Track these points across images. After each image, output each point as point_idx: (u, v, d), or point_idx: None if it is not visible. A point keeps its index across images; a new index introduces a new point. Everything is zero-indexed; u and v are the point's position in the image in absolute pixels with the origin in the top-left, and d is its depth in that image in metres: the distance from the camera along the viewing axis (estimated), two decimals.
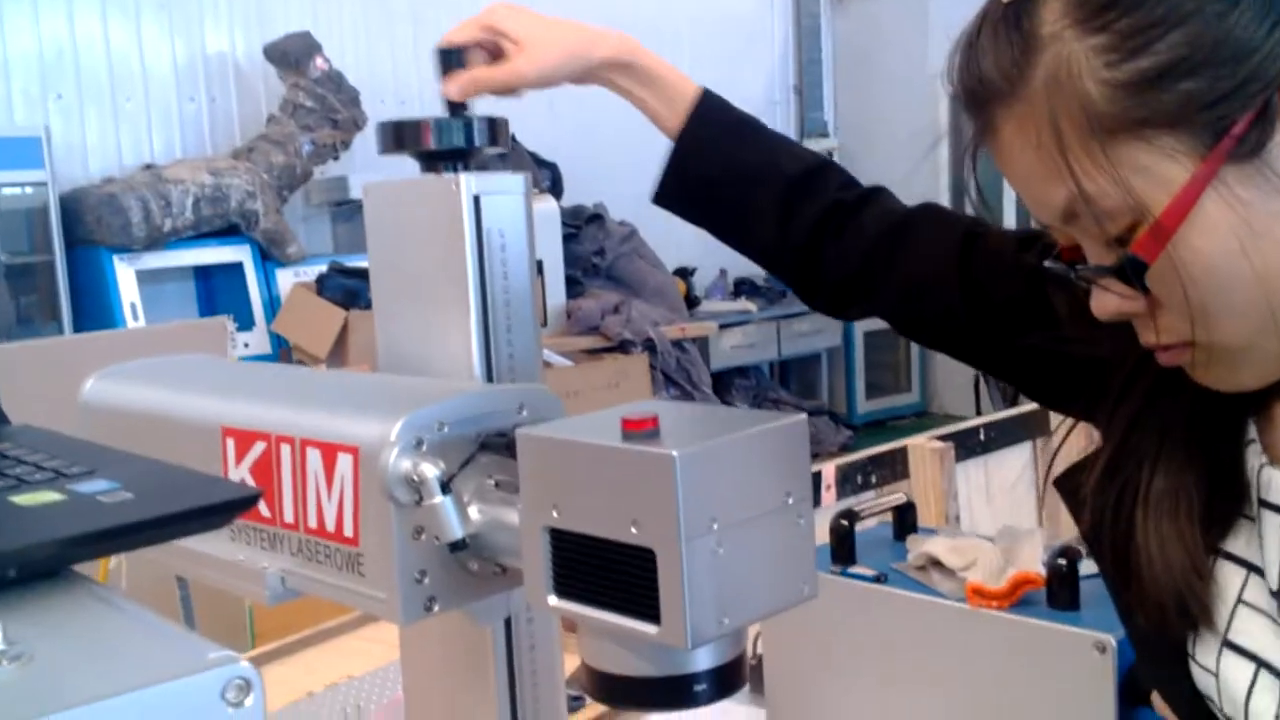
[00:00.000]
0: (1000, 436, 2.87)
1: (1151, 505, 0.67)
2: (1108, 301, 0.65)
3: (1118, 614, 0.72)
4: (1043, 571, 0.88)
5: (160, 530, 0.48)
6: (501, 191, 0.81)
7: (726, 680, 0.59)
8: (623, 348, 4.73)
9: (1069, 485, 0.77)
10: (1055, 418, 3.22)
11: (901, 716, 0.91)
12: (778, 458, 0.59)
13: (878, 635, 0.92)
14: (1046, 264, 0.70)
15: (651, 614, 0.55)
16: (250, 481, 0.75)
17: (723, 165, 0.92)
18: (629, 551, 0.56)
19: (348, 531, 0.68)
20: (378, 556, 0.66)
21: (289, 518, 0.72)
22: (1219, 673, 0.64)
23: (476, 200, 0.80)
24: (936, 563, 0.94)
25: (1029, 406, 3.09)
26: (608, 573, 0.57)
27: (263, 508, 0.74)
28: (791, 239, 0.92)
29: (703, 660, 0.58)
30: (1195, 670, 0.66)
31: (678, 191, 0.95)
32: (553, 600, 0.60)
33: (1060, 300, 0.78)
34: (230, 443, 0.77)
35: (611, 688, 0.59)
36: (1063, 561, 0.86)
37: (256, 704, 0.34)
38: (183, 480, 0.53)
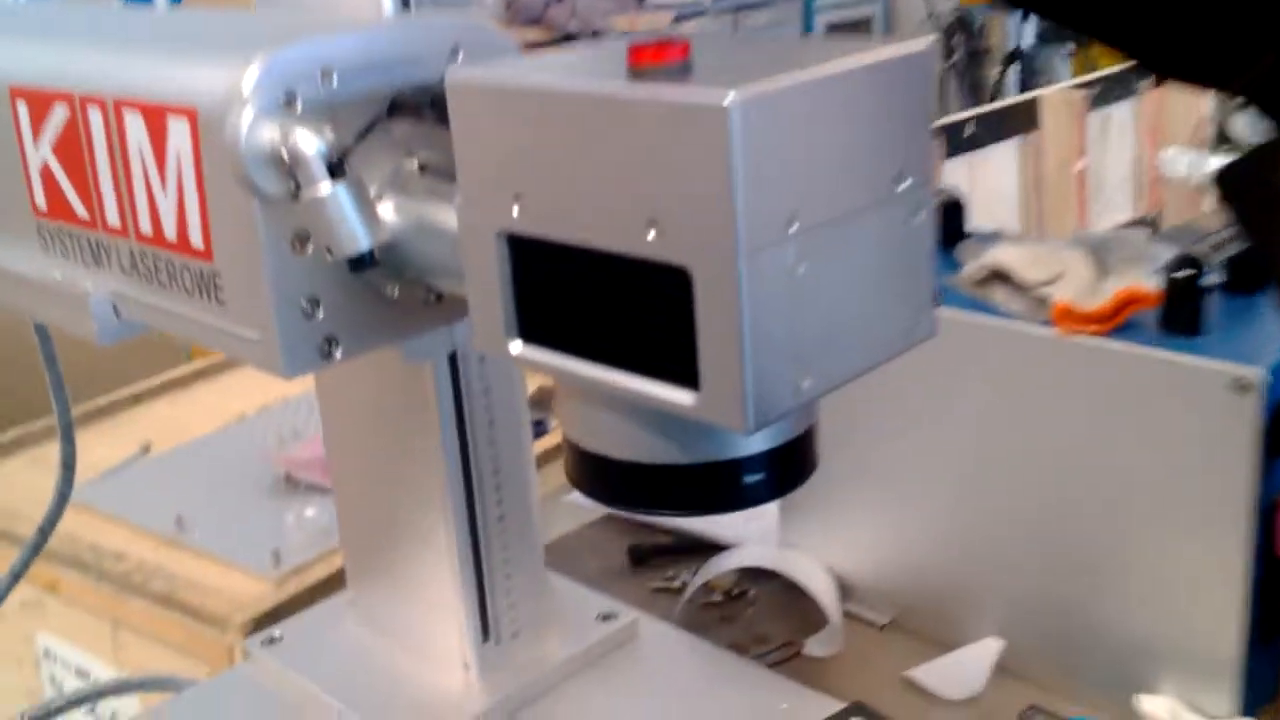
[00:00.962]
0: (987, 132, 2.64)
1: None
2: None
3: None
4: (1153, 286, 0.67)
5: None
6: None
7: (794, 468, 0.38)
8: (568, 40, 4.33)
9: (1244, 180, 0.54)
10: (1049, 109, 2.93)
11: (961, 476, 0.73)
12: (887, 116, 0.35)
13: (930, 372, 0.72)
14: None
15: (684, 373, 0.33)
16: (55, 166, 0.50)
17: None
18: (645, 271, 0.33)
19: (194, 240, 0.44)
20: (241, 277, 0.43)
21: (113, 219, 0.48)
22: None
23: None
24: (1002, 276, 0.73)
25: (1016, 99, 2.83)
26: (607, 306, 0.35)
27: (76, 203, 0.50)
28: None
29: (761, 439, 0.37)
30: None
31: None
32: (516, 347, 0.37)
33: None
34: (23, 109, 0.51)
35: (611, 480, 0.38)
36: (1186, 272, 0.65)
37: None
38: None
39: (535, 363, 0.36)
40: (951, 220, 0.84)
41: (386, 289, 0.44)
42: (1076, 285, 0.69)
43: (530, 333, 0.37)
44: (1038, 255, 0.73)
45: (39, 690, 1.23)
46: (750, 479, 0.36)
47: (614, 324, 0.34)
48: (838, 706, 0.64)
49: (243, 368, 1.54)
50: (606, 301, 0.34)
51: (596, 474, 0.38)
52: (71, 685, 1.20)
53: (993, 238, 0.79)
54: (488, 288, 0.37)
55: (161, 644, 1.11)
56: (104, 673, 1.17)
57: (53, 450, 1.26)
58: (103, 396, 1.46)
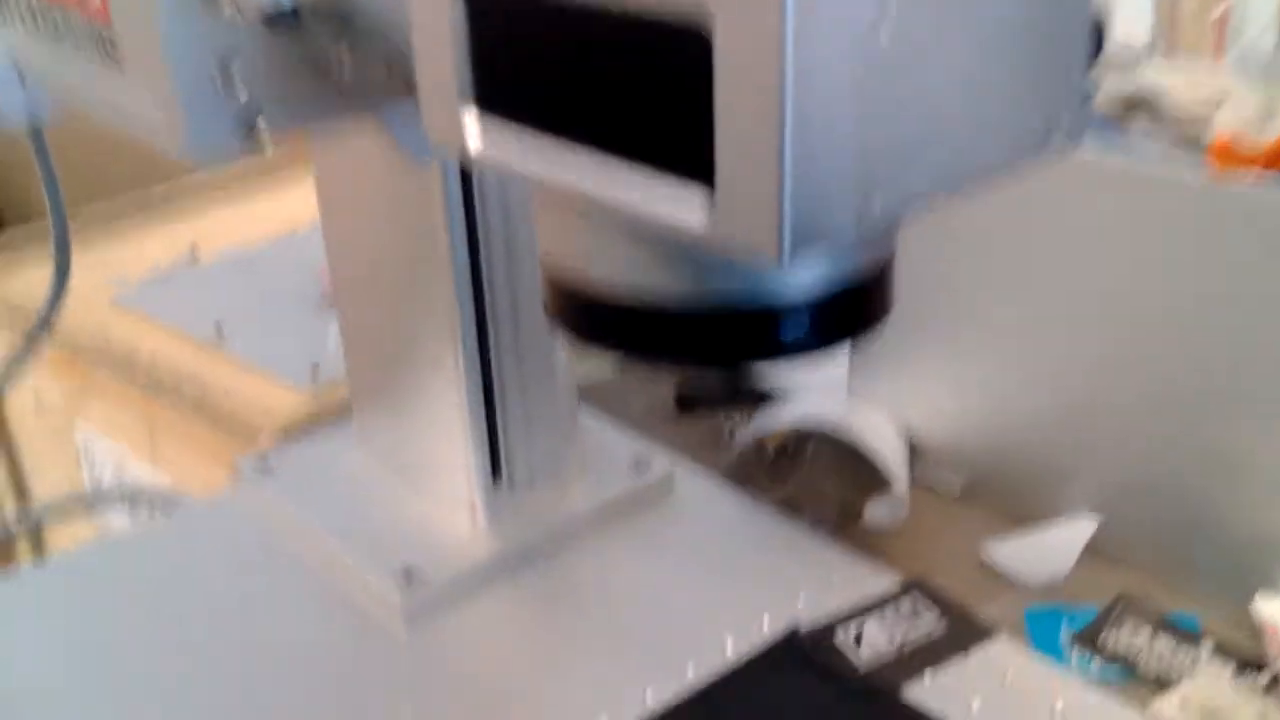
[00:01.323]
0: None
1: None
2: None
3: None
4: None
5: None
6: None
7: (850, 313, 0.27)
8: None
9: None
10: None
11: (1069, 330, 0.61)
12: None
13: (1047, 206, 0.59)
14: None
15: (695, 168, 0.22)
16: None
17: None
18: (645, 29, 0.22)
19: None
20: (139, 35, 0.32)
21: None
22: None
23: None
24: (1147, 103, 0.60)
25: None
26: (592, 75, 0.24)
27: None
28: None
29: (807, 278, 0.26)
30: None
31: None
32: (474, 136, 0.27)
33: None
34: None
35: (599, 320, 0.28)
36: None
37: None
38: None
39: (494, 159, 0.26)
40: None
41: (331, 59, 0.33)
42: (1240, 116, 0.56)
43: (489, 104, 0.26)
44: (1193, 78, 0.59)
45: (80, 483, 1.23)
46: (789, 328, 0.26)
47: (597, 96, 0.23)
48: (895, 583, 0.55)
49: (306, 177, 1.47)
50: (589, 67, 0.23)
51: (573, 304, 0.28)
52: (110, 481, 1.20)
53: (1138, 55, 0.64)
54: (436, 51, 0.26)
55: (196, 448, 1.09)
56: (142, 471, 1.15)
57: (95, 249, 1.20)
58: (159, 187, 1.41)
